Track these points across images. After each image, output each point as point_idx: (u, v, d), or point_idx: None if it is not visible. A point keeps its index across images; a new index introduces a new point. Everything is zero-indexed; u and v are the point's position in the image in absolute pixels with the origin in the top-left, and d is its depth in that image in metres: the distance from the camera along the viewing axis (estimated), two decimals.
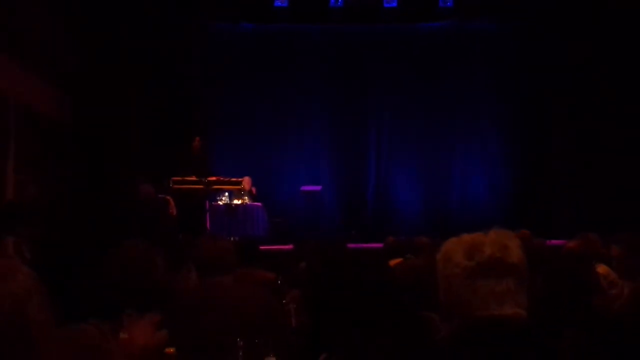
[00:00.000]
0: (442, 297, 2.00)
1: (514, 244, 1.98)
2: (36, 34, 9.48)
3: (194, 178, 10.53)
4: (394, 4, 12.69)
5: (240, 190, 10.76)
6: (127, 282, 3.45)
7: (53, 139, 10.34)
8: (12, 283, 1.41)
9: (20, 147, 9.24)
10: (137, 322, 2.55)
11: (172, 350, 3.71)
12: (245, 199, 10.73)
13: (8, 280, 1.41)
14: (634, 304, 3.73)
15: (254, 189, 11.04)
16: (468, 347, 1.88)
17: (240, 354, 2.61)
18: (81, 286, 3.03)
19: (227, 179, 10.79)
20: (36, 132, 9.75)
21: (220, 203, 10.60)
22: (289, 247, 8.75)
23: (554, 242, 8.37)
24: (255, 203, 10.88)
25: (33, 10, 9.58)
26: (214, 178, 10.61)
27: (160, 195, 10.17)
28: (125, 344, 2.43)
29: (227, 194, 10.68)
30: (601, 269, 4.82)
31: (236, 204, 10.63)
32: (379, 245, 8.12)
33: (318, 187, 12.27)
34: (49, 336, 1.46)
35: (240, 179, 10.83)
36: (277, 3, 12.57)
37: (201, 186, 10.44)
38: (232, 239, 7.91)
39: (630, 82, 11.52)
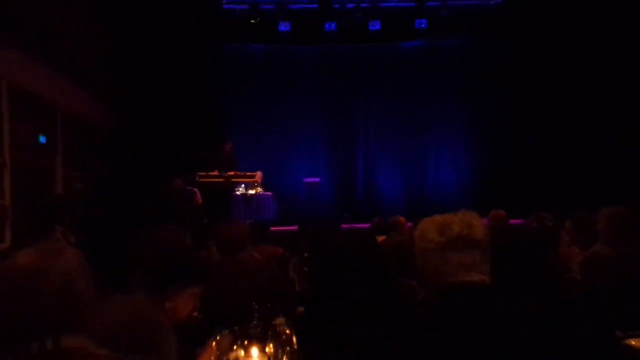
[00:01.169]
0: (419, 267, 2.01)
1: (479, 223, 1.99)
2: (81, 53, 9.48)
3: (216, 173, 10.57)
4: (378, 27, 12.65)
5: (254, 182, 10.78)
6: (160, 259, 3.44)
7: (95, 141, 10.36)
8: (61, 260, 1.41)
9: (67, 148, 9.24)
10: (181, 294, 2.55)
11: (196, 314, 3.70)
12: (258, 189, 10.75)
13: (58, 258, 1.41)
14: (585, 271, 3.74)
15: (270, 193, 11.01)
16: (441, 308, 1.89)
17: (255, 315, 2.59)
18: (119, 264, 3.00)
19: (242, 173, 10.83)
20: (81, 135, 9.75)
21: (238, 193, 10.63)
22: (294, 228, 8.75)
23: (513, 221, 8.37)
24: (266, 192, 10.91)
25: (81, 37, 9.58)
26: (232, 173, 10.65)
27: (188, 188, 10.21)
28: (171, 313, 2.43)
29: (243, 185, 10.70)
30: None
31: (251, 194, 10.65)
32: (367, 225, 8.13)
33: (317, 179, 12.31)
34: (94, 306, 1.45)
35: (254, 173, 10.86)
36: (281, 28, 12.54)
37: (222, 179, 10.48)
38: (248, 222, 7.88)
39: (568, 87, 11.62)
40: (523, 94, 12.32)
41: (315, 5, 12.76)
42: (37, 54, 8.25)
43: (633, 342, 3.12)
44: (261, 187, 10.84)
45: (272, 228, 9.73)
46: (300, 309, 3.76)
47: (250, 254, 4.28)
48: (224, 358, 2.16)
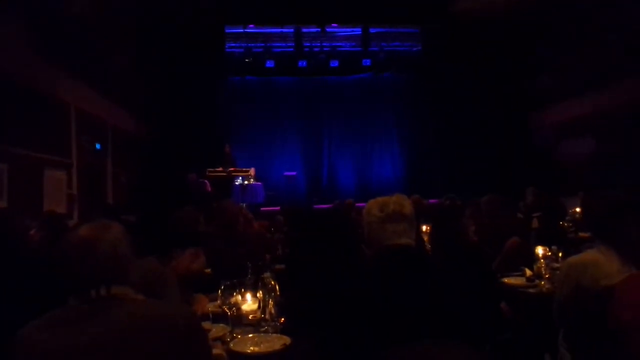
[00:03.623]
0: (366, 234, 2.01)
1: (407, 202, 2.00)
2: (122, 81, 9.39)
3: (221, 169, 10.46)
4: (336, 64, 12.66)
5: (248, 176, 10.69)
6: (182, 231, 3.41)
7: (134, 146, 10.23)
8: (109, 232, 1.40)
9: (115, 152, 9.12)
10: (181, 254, 2.53)
11: (208, 270, 3.66)
12: (251, 180, 10.66)
13: (107, 231, 1.40)
14: (477, 237, 3.82)
15: (260, 183, 10.91)
16: (381, 262, 1.90)
17: (249, 271, 2.60)
18: (153, 235, 2.97)
19: (240, 169, 10.73)
20: (124, 142, 9.63)
21: (237, 183, 10.52)
22: (277, 208, 8.73)
23: (432, 200, 8.47)
24: (257, 183, 10.83)
25: (125, 75, 9.49)
26: (232, 168, 10.56)
27: (200, 180, 10.10)
28: (174, 268, 2.41)
29: (241, 178, 10.60)
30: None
31: (246, 184, 10.56)
32: (330, 205, 8.14)
33: (294, 173, 12.29)
34: (132, 264, 1.45)
35: (248, 169, 10.77)
36: (268, 64, 12.46)
37: (225, 174, 10.38)
38: (243, 204, 7.83)
39: (472, 109, 11.82)
40: (439, 113, 12.46)
41: (292, 49, 12.68)
42: (96, 87, 8.25)
43: (505, 280, 3.23)
44: (254, 179, 10.77)
45: (262, 209, 9.71)
46: (281, 266, 3.78)
47: (244, 226, 4.27)
48: (227, 301, 2.17)
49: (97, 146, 8.43)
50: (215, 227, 4.43)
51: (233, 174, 10.47)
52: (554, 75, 10.69)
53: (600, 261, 2.25)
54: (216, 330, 2.11)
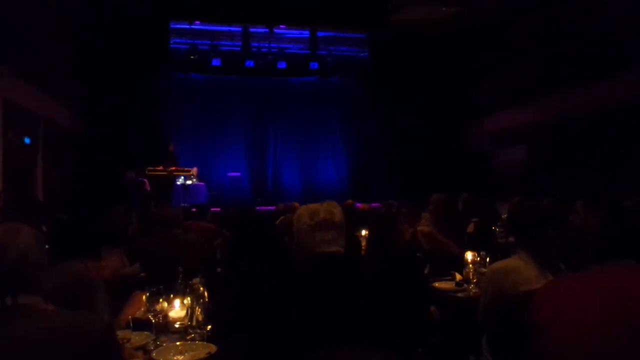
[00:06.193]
0: (295, 240, 2.01)
1: (338, 210, 2.01)
2: (59, 74, 8.96)
3: (161, 168, 10.17)
4: (284, 66, 12.62)
5: (191, 175, 10.46)
6: (109, 231, 3.29)
7: (68, 141, 9.78)
8: (18, 238, 1.33)
9: (47, 147, 8.69)
10: (110, 254, 2.44)
11: (143, 274, 3.55)
12: (194, 181, 10.44)
13: (16, 236, 1.33)
14: (410, 241, 3.90)
15: (203, 184, 10.68)
16: (310, 269, 1.90)
17: (180, 275, 2.53)
18: (82, 235, 2.83)
19: (182, 169, 10.48)
20: (57, 137, 9.18)
21: (178, 183, 10.27)
22: (218, 209, 8.58)
23: (373, 204, 8.59)
24: (200, 183, 10.62)
25: (62, 65, 9.07)
26: (174, 168, 10.29)
27: (139, 178, 9.78)
28: (103, 270, 2.32)
29: (182, 178, 10.35)
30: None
31: (188, 184, 10.33)
32: (273, 207, 8.10)
33: (238, 174, 12.14)
34: (45, 272, 1.37)
35: (191, 169, 10.55)
36: (214, 63, 12.24)
37: (165, 173, 10.11)
38: (183, 205, 7.64)
39: (414, 114, 12.10)
40: (383, 119, 12.71)
41: (239, 48, 12.55)
42: (28, 78, 7.75)
43: (437, 285, 3.32)
44: (196, 179, 10.56)
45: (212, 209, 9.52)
46: (220, 269, 3.72)
47: (184, 229, 4.17)
48: (152, 308, 2.10)
49: (27, 140, 7.98)
50: (152, 229, 4.30)
51: (174, 173, 10.22)
52: (491, 86, 11.14)
53: (520, 267, 2.36)
54: (138, 338, 2.03)
